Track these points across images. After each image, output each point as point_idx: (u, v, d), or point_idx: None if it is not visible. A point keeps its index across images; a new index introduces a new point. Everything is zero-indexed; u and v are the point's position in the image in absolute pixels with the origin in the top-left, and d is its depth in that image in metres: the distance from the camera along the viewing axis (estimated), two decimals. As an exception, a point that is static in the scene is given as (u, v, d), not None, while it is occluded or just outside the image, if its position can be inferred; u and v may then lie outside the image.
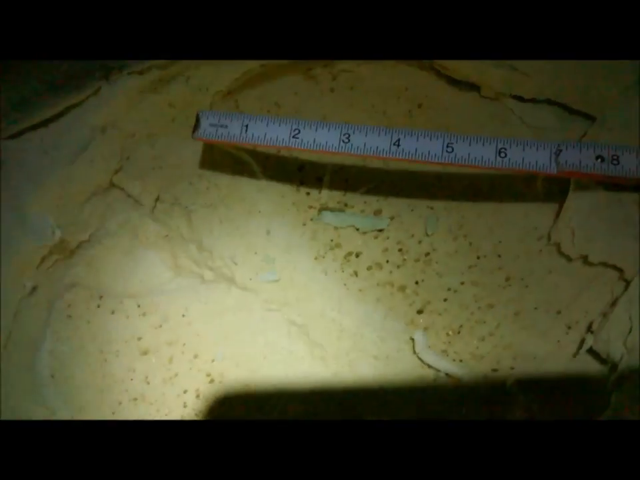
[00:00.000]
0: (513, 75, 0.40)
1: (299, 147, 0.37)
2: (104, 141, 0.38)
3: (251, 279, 0.41)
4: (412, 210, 0.42)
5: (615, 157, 0.35)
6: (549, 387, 0.37)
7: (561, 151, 0.35)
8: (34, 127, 0.36)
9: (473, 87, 0.42)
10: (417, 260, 0.42)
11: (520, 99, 0.42)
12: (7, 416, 0.34)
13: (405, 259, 0.42)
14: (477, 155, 0.35)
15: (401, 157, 0.36)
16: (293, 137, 0.37)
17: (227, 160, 0.43)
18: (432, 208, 0.42)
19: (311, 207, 0.43)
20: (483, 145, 0.35)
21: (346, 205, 0.43)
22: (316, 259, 0.42)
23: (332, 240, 0.43)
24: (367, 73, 0.43)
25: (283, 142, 0.37)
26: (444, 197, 0.42)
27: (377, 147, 0.36)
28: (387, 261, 0.42)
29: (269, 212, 0.43)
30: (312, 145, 0.36)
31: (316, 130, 0.36)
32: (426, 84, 0.42)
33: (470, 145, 0.35)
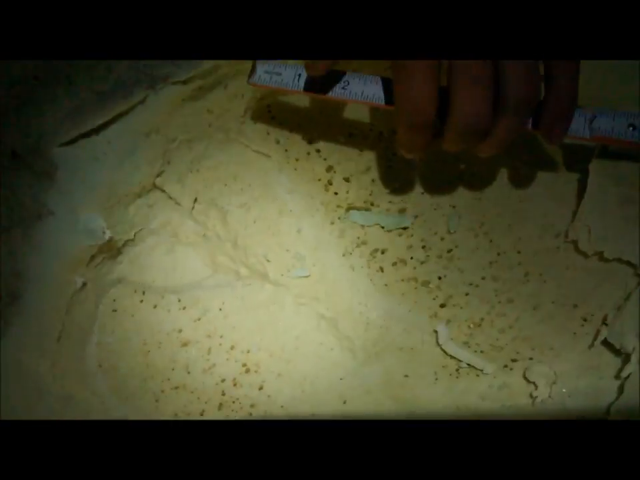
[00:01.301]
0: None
1: (347, 98, 0.38)
2: (148, 146, 0.41)
3: (282, 275, 0.44)
4: (435, 209, 0.44)
5: None
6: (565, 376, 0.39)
7: (595, 117, 0.37)
8: (86, 135, 0.38)
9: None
10: (440, 256, 0.44)
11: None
12: (62, 404, 0.37)
13: (428, 256, 0.44)
14: None
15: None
16: (342, 88, 0.38)
17: (259, 162, 0.46)
18: (454, 206, 0.44)
19: (338, 206, 0.46)
20: None
21: (372, 204, 0.45)
22: (344, 255, 0.44)
23: (359, 237, 0.45)
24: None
25: (333, 92, 0.38)
26: (466, 196, 0.44)
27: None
28: (411, 258, 0.44)
29: (299, 211, 0.45)
30: (360, 97, 0.38)
31: (364, 83, 0.38)
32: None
33: None
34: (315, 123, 0.46)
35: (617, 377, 0.37)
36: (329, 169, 0.46)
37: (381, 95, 0.38)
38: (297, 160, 0.46)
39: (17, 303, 0.36)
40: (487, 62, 0.32)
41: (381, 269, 0.44)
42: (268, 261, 0.44)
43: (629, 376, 0.36)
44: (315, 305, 0.43)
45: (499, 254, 0.43)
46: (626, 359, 0.37)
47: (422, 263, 0.44)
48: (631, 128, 0.37)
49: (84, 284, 0.39)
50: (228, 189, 0.45)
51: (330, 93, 0.38)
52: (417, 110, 0.34)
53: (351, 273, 0.44)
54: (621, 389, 0.37)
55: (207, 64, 0.40)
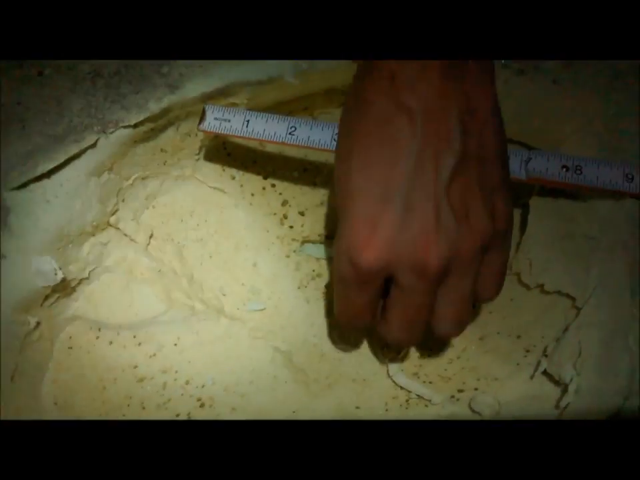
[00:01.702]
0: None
1: (295, 143, 0.40)
2: (101, 186, 0.41)
3: (238, 309, 0.45)
4: (387, 242, 0.46)
5: (579, 167, 0.39)
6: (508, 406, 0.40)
7: (530, 159, 0.39)
8: (38, 179, 0.39)
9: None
10: (391, 288, 0.45)
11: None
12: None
13: (380, 288, 0.45)
14: None
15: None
16: (289, 133, 0.40)
17: (215, 197, 0.47)
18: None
19: (294, 240, 0.47)
20: None
21: (327, 237, 0.47)
22: (299, 288, 0.46)
23: (314, 270, 0.46)
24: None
25: (280, 137, 0.40)
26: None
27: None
28: (364, 290, 0.45)
29: (255, 246, 0.46)
30: (306, 142, 0.39)
31: (310, 128, 0.40)
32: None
33: None
34: (269, 159, 0.48)
35: (557, 406, 0.39)
36: (284, 203, 0.47)
37: (328, 140, 0.39)
38: (252, 195, 0.47)
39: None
40: (429, 290, 0.32)
41: (335, 301, 0.45)
42: (224, 295, 0.45)
43: (567, 406, 0.38)
44: (271, 338, 0.44)
45: (447, 285, 0.44)
46: (564, 389, 0.38)
47: (374, 295, 0.45)
48: (564, 169, 0.39)
49: (38, 323, 0.40)
50: (184, 224, 0.46)
51: (277, 139, 0.40)
52: (355, 319, 0.35)
53: (306, 306, 0.45)
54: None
55: (156, 108, 0.41)
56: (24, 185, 0.38)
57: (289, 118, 0.40)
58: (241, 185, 0.47)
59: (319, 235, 0.47)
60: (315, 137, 0.39)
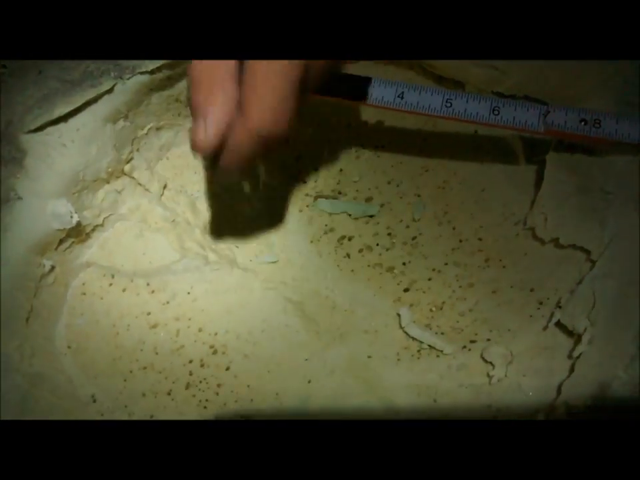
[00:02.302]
0: (494, 73, 0.43)
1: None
2: (117, 134, 0.42)
3: (251, 261, 0.45)
4: (400, 197, 0.46)
5: (597, 121, 0.39)
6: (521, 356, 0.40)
7: (549, 112, 0.39)
8: (54, 122, 0.39)
9: (458, 84, 0.45)
10: (405, 243, 0.45)
11: (500, 94, 0.45)
12: (30, 382, 0.38)
13: (393, 242, 0.45)
14: (472, 111, 0.39)
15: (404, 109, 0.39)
16: None
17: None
18: (419, 195, 0.46)
19: (307, 195, 0.47)
20: (479, 102, 0.39)
21: (339, 192, 0.47)
22: (312, 242, 0.46)
23: (326, 225, 0.46)
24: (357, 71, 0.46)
25: None
26: (430, 185, 0.46)
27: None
28: (377, 244, 0.45)
29: (268, 199, 0.46)
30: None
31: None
32: (414, 82, 0.46)
33: (467, 101, 0.39)
34: (284, 114, 0.47)
35: (570, 356, 0.39)
36: (298, 158, 0.47)
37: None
38: (266, 149, 0.47)
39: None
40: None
41: (348, 255, 0.45)
42: (237, 247, 0.45)
43: (579, 355, 0.38)
44: (282, 290, 0.44)
45: (461, 241, 0.44)
46: (577, 339, 0.38)
47: (387, 249, 0.45)
48: (582, 123, 0.39)
49: (52, 267, 0.40)
50: (197, 176, 0.46)
51: None
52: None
53: (318, 259, 0.45)
54: (572, 368, 0.38)
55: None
56: (41, 128, 0.39)
57: None
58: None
59: (332, 191, 0.47)
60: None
